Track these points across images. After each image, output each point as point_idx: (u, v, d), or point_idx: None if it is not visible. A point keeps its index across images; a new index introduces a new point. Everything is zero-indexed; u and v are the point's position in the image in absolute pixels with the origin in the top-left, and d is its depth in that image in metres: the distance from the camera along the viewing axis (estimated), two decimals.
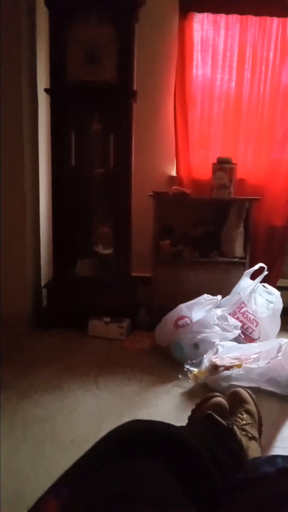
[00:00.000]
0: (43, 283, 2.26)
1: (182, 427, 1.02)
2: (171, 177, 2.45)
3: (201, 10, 2.26)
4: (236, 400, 1.19)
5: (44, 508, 0.56)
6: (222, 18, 2.26)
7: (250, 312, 1.91)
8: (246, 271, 2.06)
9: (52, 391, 1.52)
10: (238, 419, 1.09)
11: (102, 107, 2.07)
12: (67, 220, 2.13)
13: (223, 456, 0.84)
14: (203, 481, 0.72)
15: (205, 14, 2.27)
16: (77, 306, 2.13)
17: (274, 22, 2.26)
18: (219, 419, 1.03)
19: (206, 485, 0.72)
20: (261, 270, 2.00)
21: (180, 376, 1.62)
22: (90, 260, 2.22)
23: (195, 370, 1.60)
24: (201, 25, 2.29)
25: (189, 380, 1.59)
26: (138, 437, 0.74)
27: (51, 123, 2.04)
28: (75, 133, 2.07)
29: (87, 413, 1.39)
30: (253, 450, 1.02)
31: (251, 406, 1.17)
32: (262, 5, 2.22)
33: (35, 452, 1.19)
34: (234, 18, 2.26)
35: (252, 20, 2.26)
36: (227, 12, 2.25)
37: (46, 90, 2.02)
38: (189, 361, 1.67)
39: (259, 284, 1.98)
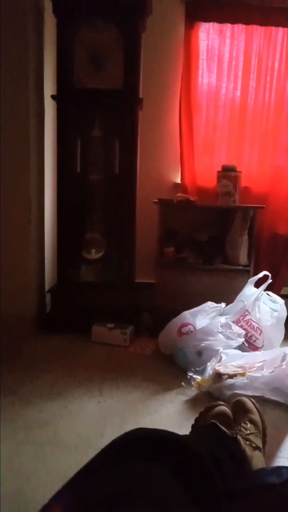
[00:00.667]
0: (47, 287, 2.26)
1: (185, 435, 1.01)
2: (176, 184, 2.46)
3: (207, 19, 2.28)
4: (240, 409, 1.19)
5: None
6: (227, 27, 2.29)
7: (254, 320, 1.90)
8: (250, 279, 2.06)
9: (55, 397, 1.51)
10: (242, 429, 1.09)
11: (108, 114, 2.09)
12: (71, 225, 2.13)
13: (223, 457, 0.84)
14: (203, 482, 0.72)
15: (211, 23, 2.29)
16: (81, 310, 2.13)
17: (280, 32, 2.28)
18: (223, 428, 1.03)
19: (206, 486, 0.72)
20: (265, 278, 2.00)
21: (183, 383, 1.62)
22: (94, 265, 2.22)
23: (199, 378, 1.59)
24: (207, 34, 2.31)
25: (193, 388, 1.58)
26: (140, 442, 0.74)
27: (57, 129, 2.06)
28: (81, 139, 2.08)
29: (90, 419, 1.39)
30: (257, 460, 1.01)
31: (255, 416, 1.17)
32: (267, 15, 2.25)
33: (36, 454, 1.18)
34: (239, 27, 2.28)
35: (258, 30, 2.28)
36: (233, 22, 2.27)
37: (52, 96, 2.04)
38: (193, 369, 1.66)
39: (263, 292, 1.98)
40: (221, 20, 2.27)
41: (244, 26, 2.27)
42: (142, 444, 0.71)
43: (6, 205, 2.04)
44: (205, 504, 0.65)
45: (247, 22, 2.26)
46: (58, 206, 2.13)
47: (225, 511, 0.66)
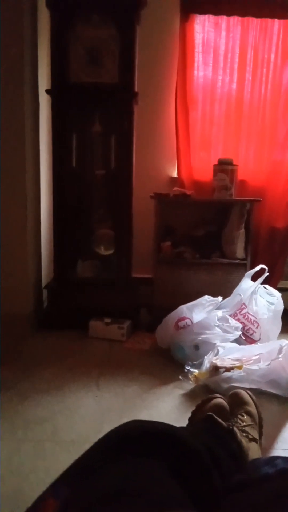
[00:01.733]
0: (44, 283, 2.26)
1: (182, 428, 1.02)
2: (172, 178, 2.45)
3: (202, 12, 2.26)
4: (236, 401, 1.19)
5: (43, 508, 0.56)
6: (223, 20, 2.27)
7: (251, 313, 1.90)
8: (247, 273, 2.06)
9: (53, 392, 1.52)
10: (239, 421, 1.09)
11: (104, 108, 2.08)
12: (68, 221, 2.13)
13: (222, 455, 0.84)
14: (202, 480, 0.72)
15: (206, 16, 2.27)
16: (78, 306, 2.13)
17: (275, 24, 2.26)
18: (220, 420, 1.03)
19: (205, 484, 0.72)
20: (262, 271, 2.00)
21: (180, 377, 1.62)
22: (91, 261, 2.22)
23: (196, 371, 1.60)
24: (202, 26, 2.29)
25: (190, 382, 1.59)
26: (137, 436, 0.74)
27: (52, 124, 2.05)
28: (76, 134, 2.07)
29: (88, 414, 1.39)
30: (254, 451, 1.02)
31: (252, 408, 1.17)
32: (263, 7, 2.23)
33: (35, 452, 1.19)
34: (235, 20, 2.27)
35: (253, 22, 2.27)
36: (228, 14, 2.25)
37: (47, 91, 2.03)
38: (190, 362, 1.66)
39: (260, 285, 1.98)
40: (216, 12, 2.25)
41: (240, 18, 2.26)
42: (139, 439, 0.71)
43: (2, 202, 2.04)
44: (204, 503, 0.65)
45: (242, 14, 2.25)
46: (54, 202, 2.12)
47: (222, 505, 0.66)
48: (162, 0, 2.25)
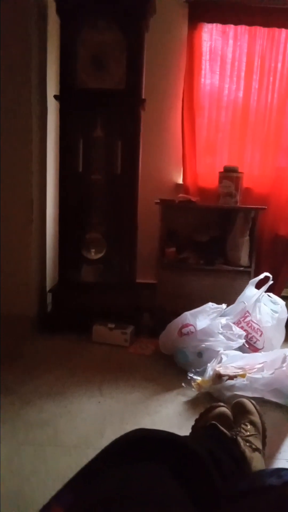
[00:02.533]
0: (48, 287, 2.26)
1: (185, 436, 1.01)
2: (178, 185, 2.46)
3: (210, 20, 2.28)
4: (240, 410, 1.19)
5: None
6: (231, 28, 2.29)
7: (255, 321, 1.90)
8: (251, 280, 2.06)
9: (55, 397, 1.51)
10: (242, 430, 1.09)
11: (111, 114, 2.09)
12: (73, 225, 2.14)
13: (223, 458, 0.84)
14: (203, 483, 0.72)
15: (214, 24, 2.29)
16: (82, 310, 2.13)
17: (283, 33, 2.28)
18: (223, 429, 1.03)
19: (206, 486, 0.72)
20: (266, 279, 2.00)
21: (183, 384, 1.62)
22: (95, 265, 2.23)
23: (199, 378, 1.59)
24: (210, 35, 2.31)
25: (193, 389, 1.58)
26: (140, 442, 0.74)
27: (59, 128, 2.06)
28: (83, 139, 2.08)
29: (90, 418, 1.39)
30: (257, 461, 1.02)
31: (255, 417, 1.17)
32: (270, 16, 2.24)
33: (36, 454, 1.19)
34: (242, 28, 2.28)
35: (261, 31, 2.28)
36: (236, 23, 2.27)
37: (55, 96, 2.04)
38: (193, 370, 1.66)
39: (264, 293, 1.98)
40: (224, 21, 2.27)
41: (247, 27, 2.27)
42: (142, 445, 0.71)
43: (8, 204, 2.05)
44: (205, 505, 0.65)
45: (250, 23, 2.26)
46: (59, 205, 2.13)
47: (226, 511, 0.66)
48: (171, 8, 2.27)
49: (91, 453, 0.72)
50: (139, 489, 0.58)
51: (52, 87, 2.15)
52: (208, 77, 2.35)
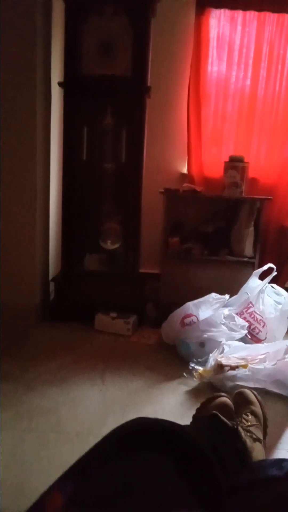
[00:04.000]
0: (51, 276, 2.27)
1: (186, 426, 1.02)
2: (182, 174, 2.44)
3: (218, 6, 2.23)
4: (241, 400, 1.19)
5: (49, 502, 0.57)
6: (239, 14, 2.24)
7: (258, 312, 1.90)
8: (255, 271, 2.05)
9: (58, 384, 1.53)
10: (243, 420, 1.09)
11: (116, 102, 2.06)
12: (76, 214, 2.13)
13: (226, 453, 0.84)
14: (206, 477, 0.72)
15: (222, 10, 2.25)
16: (85, 299, 2.13)
17: None
18: (224, 419, 1.03)
19: (210, 481, 0.72)
20: (270, 270, 1.99)
21: (185, 374, 1.62)
22: (98, 254, 2.22)
23: (201, 368, 1.60)
24: (218, 21, 2.27)
25: (194, 379, 1.59)
26: (142, 433, 0.74)
27: (64, 116, 2.04)
28: (87, 127, 2.06)
29: (92, 406, 1.40)
30: (258, 451, 1.02)
31: (257, 408, 1.17)
32: (280, 1, 2.19)
33: (39, 442, 1.20)
34: (251, 14, 2.24)
35: (270, 17, 2.23)
36: (245, 8, 2.22)
37: (59, 83, 2.02)
38: (195, 360, 1.66)
39: (267, 284, 1.97)
40: (232, 6, 2.23)
41: (256, 13, 2.23)
42: (144, 435, 0.71)
43: (11, 192, 2.04)
44: (208, 501, 0.65)
45: (259, 8, 2.22)
46: (63, 194, 2.12)
47: (228, 505, 0.66)
48: None
49: (93, 441, 0.73)
50: (143, 484, 0.58)
51: (56, 74, 2.12)
52: (215, 65, 2.32)
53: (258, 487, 0.65)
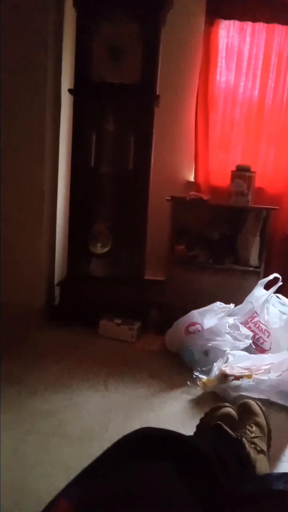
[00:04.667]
0: (56, 280, 2.27)
1: (190, 436, 1.01)
2: (189, 182, 2.45)
3: (227, 17, 2.26)
4: (245, 412, 1.18)
5: (57, 510, 0.57)
6: (248, 25, 2.26)
7: (263, 322, 1.89)
8: (260, 281, 2.04)
9: (61, 389, 1.52)
10: (247, 432, 1.08)
11: (124, 109, 2.08)
12: (83, 218, 2.14)
13: (229, 459, 0.84)
14: (210, 484, 0.72)
15: (232, 21, 2.27)
16: (90, 304, 2.13)
17: None
18: (228, 430, 1.02)
19: (213, 487, 0.71)
20: (275, 280, 1.98)
21: (188, 382, 1.61)
22: (104, 259, 2.23)
23: (204, 377, 1.59)
24: (227, 31, 2.29)
25: (198, 388, 1.58)
26: (146, 441, 0.74)
27: (73, 121, 2.06)
28: (96, 133, 2.08)
29: (95, 411, 1.40)
30: (261, 463, 1.01)
31: (261, 419, 1.16)
32: None
33: (41, 445, 1.19)
34: (260, 26, 2.26)
35: (279, 29, 2.25)
36: (254, 20, 2.24)
37: (69, 90, 2.04)
38: (199, 368, 1.65)
39: (273, 294, 1.96)
40: (242, 17, 2.25)
41: (265, 24, 2.25)
42: (148, 444, 0.71)
43: (19, 195, 2.05)
44: (211, 506, 0.65)
45: (268, 20, 2.24)
46: (70, 198, 2.13)
47: None
48: (188, 3, 2.25)
49: (95, 446, 0.73)
50: (146, 488, 0.58)
51: (66, 80, 2.14)
52: (223, 74, 2.33)
53: (263, 500, 0.64)
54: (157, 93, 2.02)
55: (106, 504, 0.56)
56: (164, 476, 0.65)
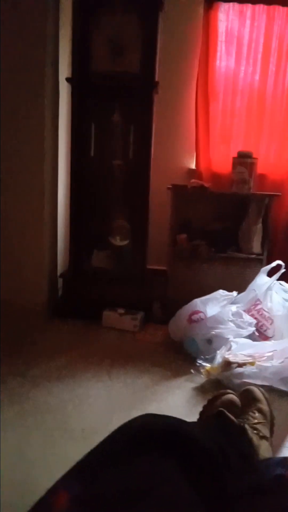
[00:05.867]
0: (59, 272, 2.27)
1: (193, 422, 1.02)
2: (190, 170, 2.43)
3: None
4: (248, 398, 1.18)
5: (55, 500, 0.57)
6: (248, 8, 2.22)
7: (266, 309, 1.88)
8: (263, 268, 2.03)
9: (64, 381, 1.53)
10: (250, 418, 1.08)
11: (123, 98, 2.05)
12: (84, 211, 2.13)
13: (233, 454, 0.84)
14: (213, 479, 0.72)
15: (231, 3, 2.22)
16: (92, 296, 2.14)
17: None
18: (231, 416, 1.02)
19: (216, 482, 0.71)
20: (278, 267, 1.97)
21: (192, 371, 1.62)
22: (106, 252, 2.22)
23: (208, 365, 1.59)
24: (227, 15, 2.24)
25: (201, 376, 1.58)
26: (149, 433, 0.74)
27: (71, 112, 2.04)
28: (95, 124, 2.06)
29: (98, 404, 1.40)
30: (264, 449, 1.01)
31: (264, 405, 1.16)
32: None
33: (45, 439, 1.20)
34: (260, 8, 2.21)
35: (280, 11, 2.20)
36: (254, 1, 2.20)
37: (67, 79, 2.01)
38: (202, 356, 1.66)
39: (275, 281, 1.95)
40: (241, 0, 2.20)
41: (265, 6, 2.20)
42: (151, 436, 0.70)
43: (19, 189, 2.05)
44: (213, 500, 0.65)
45: (268, 2, 2.18)
46: (71, 191, 2.12)
47: (235, 508, 0.66)
48: None
49: (98, 438, 0.73)
50: (146, 485, 0.58)
51: (64, 70, 2.11)
52: (223, 60, 2.29)
53: (266, 491, 0.64)
54: (157, 80, 1.99)
55: (106, 501, 0.56)
56: (165, 472, 0.65)
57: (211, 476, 0.70)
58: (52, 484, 0.60)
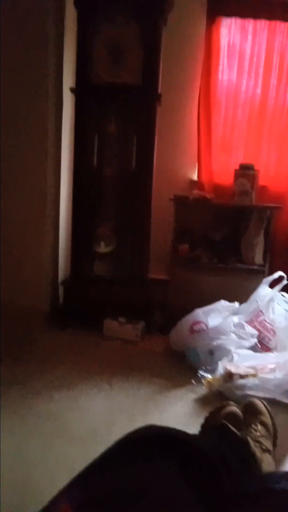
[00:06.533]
0: (60, 279, 2.27)
1: (195, 435, 1.01)
2: (192, 181, 2.44)
3: (229, 14, 2.25)
4: (251, 411, 1.17)
5: (58, 510, 0.56)
6: (250, 23, 2.25)
7: (268, 321, 1.87)
8: (265, 279, 2.03)
9: (65, 389, 1.52)
10: (253, 431, 1.08)
11: (126, 109, 2.08)
12: (86, 218, 2.14)
13: (231, 458, 0.83)
14: (211, 482, 0.71)
15: (233, 18, 2.26)
16: (93, 304, 2.13)
17: None
18: (234, 429, 1.02)
19: (214, 485, 0.71)
20: (280, 279, 1.97)
21: (193, 381, 1.61)
22: (108, 260, 2.22)
23: (209, 376, 1.58)
24: (229, 30, 2.28)
25: (203, 387, 1.57)
26: (150, 440, 0.73)
27: (75, 122, 2.06)
28: (98, 133, 2.08)
29: (99, 412, 1.39)
30: (267, 463, 1.00)
31: (266, 418, 1.15)
32: None
33: (45, 446, 1.19)
34: (262, 23, 2.25)
35: (281, 26, 2.24)
36: (256, 17, 2.23)
37: (71, 89, 2.04)
38: (204, 367, 1.65)
39: (278, 293, 1.95)
40: (243, 15, 2.24)
41: (267, 22, 2.23)
42: (152, 443, 0.70)
43: (21, 196, 2.06)
44: (212, 504, 0.64)
45: (270, 17, 2.22)
46: (73, 199, 2.13)
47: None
48: (189, 2, 2.24)
49: (99, 446, 0.72)
50: (146, 488, 0.58)
51: (68, 80, 2.14)
52: (225, 73, 2.32)
53: (266, 498, 0.63)
54: (159, 92, 2.01)
55: (106, 505, 0.56)
56: (165, 476, 0.65)
57: (210, 480, 0.69)
58: (51, 485, 0.60)
